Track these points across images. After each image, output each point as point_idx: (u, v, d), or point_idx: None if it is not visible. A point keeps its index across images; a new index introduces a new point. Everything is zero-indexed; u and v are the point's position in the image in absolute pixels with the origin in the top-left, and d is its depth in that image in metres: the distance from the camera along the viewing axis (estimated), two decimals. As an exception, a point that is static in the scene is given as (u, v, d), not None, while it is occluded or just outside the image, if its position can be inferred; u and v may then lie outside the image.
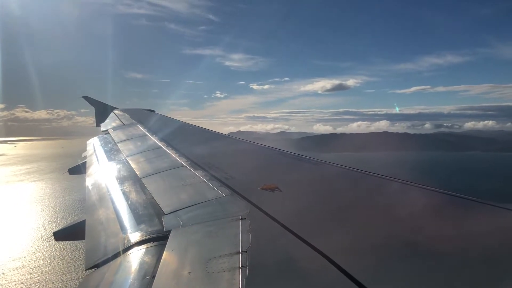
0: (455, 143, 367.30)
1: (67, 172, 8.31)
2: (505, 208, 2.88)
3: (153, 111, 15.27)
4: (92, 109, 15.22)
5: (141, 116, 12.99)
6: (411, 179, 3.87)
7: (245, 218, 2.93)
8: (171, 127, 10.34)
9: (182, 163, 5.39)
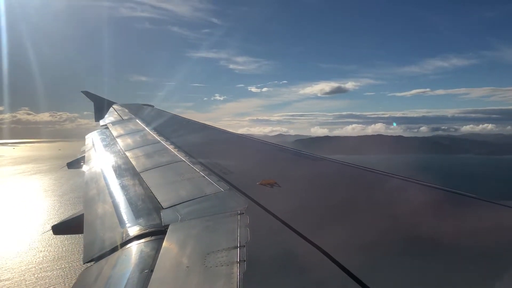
0: (449, 146, 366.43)
1: (66, 167, 8.23)
2: (506, 206, 2.86)
3: (152, 106, 15.16)
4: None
5: (140, 111, 12.93)
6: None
7: (243, 213, 2.91)
8: (170, 122, 10.28)
9: (180, 158, 5.36)
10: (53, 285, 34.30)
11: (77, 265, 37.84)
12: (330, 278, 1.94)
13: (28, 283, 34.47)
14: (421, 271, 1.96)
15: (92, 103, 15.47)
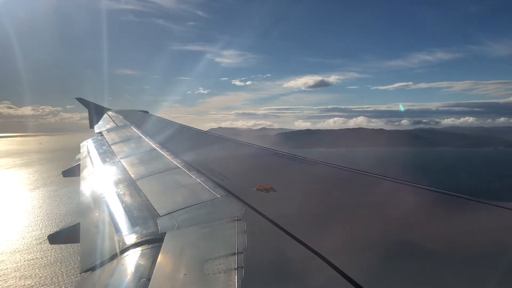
0: (429, 139, 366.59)
1: (61, 175, 8.01)
2: (502, 207, 2.85)
3: (147, 112, 14.89)
4: (78, 106, 14.62)
5: (135, 117, 12.71)
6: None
7: (240, 219, 2.84)
8: (165, 129, 10.11)
9: (176, 165, 5.24)
10: (4, 279, 33.70)
11: (31, 258, 37.50)
12: (328, 283, 1.88)
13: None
14: (415, 274, 1.92)
15: (80, 103, 15.02)
